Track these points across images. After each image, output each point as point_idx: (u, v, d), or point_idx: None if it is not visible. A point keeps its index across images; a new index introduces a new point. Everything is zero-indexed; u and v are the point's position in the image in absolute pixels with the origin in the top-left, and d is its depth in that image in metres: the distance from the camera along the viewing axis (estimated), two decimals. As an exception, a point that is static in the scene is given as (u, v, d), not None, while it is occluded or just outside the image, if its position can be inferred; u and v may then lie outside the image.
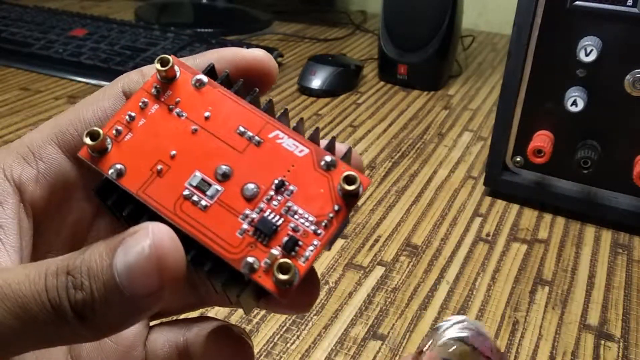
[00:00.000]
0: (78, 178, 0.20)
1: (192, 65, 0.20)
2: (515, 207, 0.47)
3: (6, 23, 0.76)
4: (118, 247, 0.15)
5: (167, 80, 0.19)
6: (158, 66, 0.18)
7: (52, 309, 0.15)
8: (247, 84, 0.20)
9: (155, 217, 0.17)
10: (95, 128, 0.18)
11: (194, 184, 0.17)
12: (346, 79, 0.67)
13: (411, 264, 0.41)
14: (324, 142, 0.19)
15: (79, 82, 0.65)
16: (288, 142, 0.18)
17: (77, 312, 0.15)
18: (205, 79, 0.19)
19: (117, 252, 0.15)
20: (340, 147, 0.19)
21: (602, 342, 0.35)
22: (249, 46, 0.72)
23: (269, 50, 0.72)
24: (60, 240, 0.20)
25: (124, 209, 0.18)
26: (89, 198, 0.20)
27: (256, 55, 0.20)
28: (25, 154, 0.19)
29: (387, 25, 0.68)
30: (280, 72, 0.71)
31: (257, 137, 0.18)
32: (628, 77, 0.40)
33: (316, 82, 0.65)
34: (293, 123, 0.19)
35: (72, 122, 0.19)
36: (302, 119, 0.19)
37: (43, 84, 0.64)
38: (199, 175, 0.18)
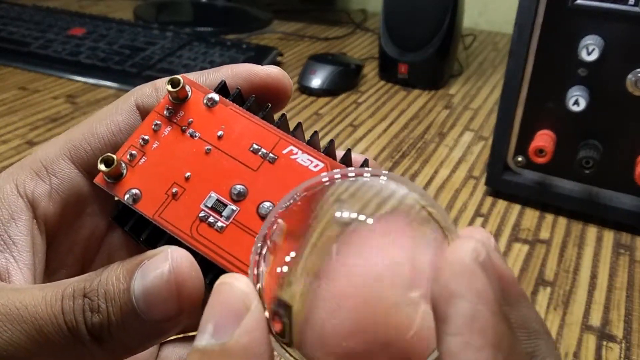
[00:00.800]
0: (91, 193, 0.19)
1: (205, 82, 0.20)
2: (516, 207, 0.47)
3: (4, 22, 0.75)
4: (136, 270, 0.15)
5: (179, 101, 0.19)
6: (169, 87, 0.18)
7: (69, 332, 0.15)
8: (259, 100, 0.19)
9: (172, 240, 0.17)
10: (110, 154, 0.18)
11: (210, 205, 0.17)
12: (346, 78, 0.67)
13: (412, 264, 0.41)
14: (340, 154, 0.19)
15: (78, 81, 0.65)
16: (302, 157, 0.18)
17: (94, 335, 0.15)
18: (216, 97, 0.19)
19: (135, 276, 0.15)
20: (357, 158, 0.19)
21: (604, 343, 0.35)
22: (248, 45, 0.72)
23: (269, 49, 0.71)
24: (72, 256, 0.20)
25: (142, 233, 0.18)
26: (101, 213, 0.20)
27: (270, 72, 0.20)
28: (38, 170, 0.19)
29: (388, 24, 0.67)
30: (280, 71, 0.71)
31: (271, 154, 0.18)
32: (630, 76, 0.40)
33: (316, 82, 0.65)
34: (308, 137, 0.19)
35: (85, 136, 0.19)
36: (316, 132, 0.19)
37: (41, 83, 0.64)
38: (214, 196, 0.17)
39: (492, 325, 0.12)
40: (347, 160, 0.19)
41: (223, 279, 0.14)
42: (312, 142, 0.19)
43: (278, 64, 0.72)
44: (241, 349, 0.13)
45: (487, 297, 0.12)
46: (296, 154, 0.18)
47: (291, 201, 0.15)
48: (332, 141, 0.19)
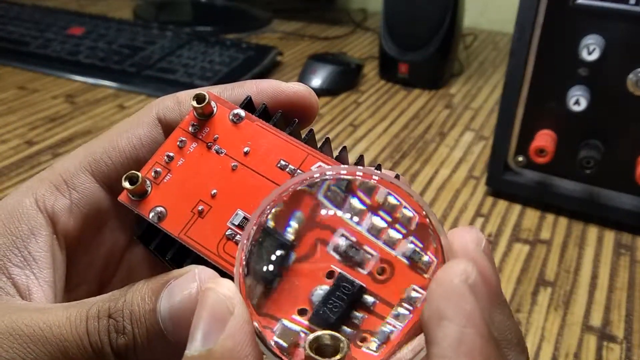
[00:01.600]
0: (111, 208, 0.19)
1: (230, 97, 0.19)
2: (517, 207, 0.47)
3: (3, 21, 0.75)
4: (162, 290, 0.15)
5: (204, 117, 0.18)
6: (194, 104, 0.18)
7: (94, 354, 0.14)
8: (286, 115, 0.19)
9: (199, 259, 0.17)
10: (134, 172, 0.17)
11: (237, 223, 0.17)
12: (346, 78, 0.67)
13: (412, 264, 0.40)
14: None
15: (77, 81, 0.65)
16: None
17: (120, 357, 0.14)
18: (242, 113, 0.18)
19: (162, 296, 0.14)
20: (388, 174, 0.18)
21: (605, 343, 0.35)
22: (248, 45, 0.72)
23: (269, 48, 0.71)
24: (92, 272, 0.20)
25: (167, 252, 0.18)
26: (122, 228, 0.20)
27: (297, 90, 0.19)
28: (58, 183, 0.18)
29: (388, 24, 0.67)
30: (279, 71, 0.71)
31: (299, 170, 0.18)
32: (631, 76, 0.40)
33: (316, 81, 0.65)
34: (336, 152, 0.19)
35: (106, 150, 0.19)
36: (344, 147, 0.19)
37: (40, 82, 0.64)
38: (241, 213, 0.17)
39: (479, 348, 0.12)
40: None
41: (207, 284, 0.14)
42: (340, 158, 0.18)
43: (278, 63, 0.72)
44: (226, 353, 0.13)
45: (474, 320, 0.12)
46: None
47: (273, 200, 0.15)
48: (361, 156, 0.18)
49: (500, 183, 0.47)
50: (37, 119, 0.56)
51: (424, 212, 0.15)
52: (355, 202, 0.15)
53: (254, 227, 0.15)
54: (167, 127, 0.19)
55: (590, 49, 0.40)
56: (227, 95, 0.19)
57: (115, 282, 0.20)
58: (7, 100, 0.60)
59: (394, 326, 0.14)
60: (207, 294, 0.14)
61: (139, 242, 0.18)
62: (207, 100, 0.18)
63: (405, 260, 0.14)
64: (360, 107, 0.63)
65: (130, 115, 0.20)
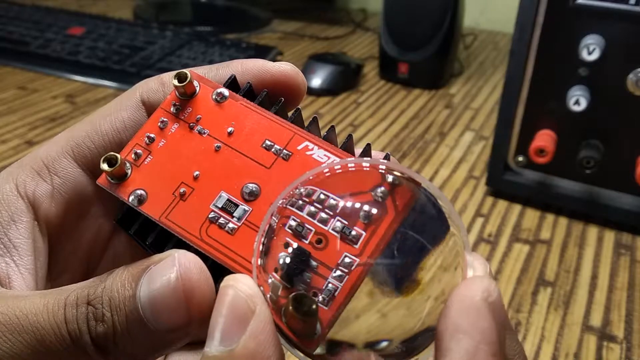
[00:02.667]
0: (95, 193, 0.19)
1: (214, 77, 0.19)
2: (517, 207, 0.47)
3: (3, 21, 0.75)
4: (142, 276, 0.14)
5: (187, 97, 0.18)
6: (176, 82, 0.18)
7: (72, 342, 0.14)
8: (271, 95, 0.18)
9: (181, 243, 0.16)
10: (113, 153, 0.17)
11: (220, 206, 0.16)
12: (346, 78, 0.67)
13: (412, 264, 0.40)
14: (358, 150, 0.18)
15: (77, 81, 0.65)
16: (319, 153, 0.17)
17: (99, 346, 0.14)
18: (226, 92, 0.18)
19: (141, 282, 0.14)
20: (378, 155, 0.18)
21: (605, 343, 0.35)
22: (248, 45, 0.72)
23: (269, 48, 0.71)
24: (76, 260, 0.19)
25: (148, 237, 0.17)
26: (106, 214, 0.19)
27: (283, 69, 0.19)
28: (39, 169, 0.18)
29: (388, 24, 0.67)
30: (279, 70, 0.71)
31: (285, 150, 0.17)
32: (631, 75, 0.40)
33: (316, 81, 0.65)
34: (324, 132, 0.18)
35: (88, 134, 0.18)
36: (333, 126, 0.18)
37: (40, 82, 0.64)
38: (224, 195, 0.17)
39: None
40: (367, 156, 0.18)
41: (227, 281, 0.14)
42: (329, 138, 0.18)
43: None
44: (249, 355, 0.13)
45: (490, 338, 0.12)
46: (312, 150, 0.17)
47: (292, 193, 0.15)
48: (350, 136, 0.18)
49: (500, 183, 0.47)
50: (37, 119, 0.56)
51: (445, 210, 0.15)
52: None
53: (272, 217, 0.15)
54: (151, 110, 0.19)
55: (590, 49, 0.40)
56: (211, 75, 0.19)
57: (100, 271, 0.20)
58: (7, 100, 0.60)
59: (336, 285, 0.15)
60: (227, 291, 0.13)
61: (119, 226, 0.18)
62: (189, 79, 0.17)
63: (336, 234, 0.15)
64: (360, 107, 0.63)
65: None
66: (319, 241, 0.15)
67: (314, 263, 0.15)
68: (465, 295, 0.13)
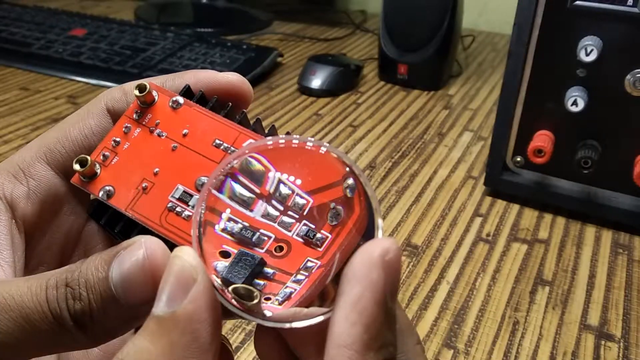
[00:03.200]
0: (67, 193, 0.21)
1: (171, 87, 0.21)
2: (515, 207, 0.47)
3: (6, 23, 0.76)
4: (113, 259, 0.16)
5: (147, 105, 0.20)
6: (137, 92, 0.20)
7: (54, 319, 0.16)
8: (221, 101, 0.21)
9: (144, 230, 0.19)
10: (84, 155, 0.19)
11: (177, 197, 0.19)
12: (346, 79, 0.67)
13: (411, 264, 0.41)
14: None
15: (79, 82, 0.65)
16: None
17: (77, 321, 0.16)
18: (181, 99, 0.20)
19: (113, 264, 0.16)
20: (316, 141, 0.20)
21: (603, 342, 0.35)
22: (249, 46, 0.72)
23: (269, 50, 0.72)
24: (51, 253, 0.21)
25: (116, 226, 0.20)
26: (77, 211, 0.21)
27: (230, 80, 0.21)
28: (15, 172, 0.20)
29: (387, 25, 0.68)
30: (280, 72, 0.71)
31: (232, 147, 0.19)
32: (628, 77, 0.40)
33: (316, 82, 0.65)
34: (267, 130, 0.20)
35: (59, 140, 0.21)
36: (273, 125, 0.21)
37: (42, 83, 0.64)
38: (180, 188, 0.19)
39: (369, 309, 0.14)
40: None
41: (175, 252, 0.16)
42: (271, 134, 0.20)
43: (278, 64, 0.73)
44: (187, 316, 0.15)
45: (376, 288, 0.15)
46: None
47: (222, 170, 0.17)
48: (288, 133, 0.20)
49: (499, 183, 0.47)
50: (39, 120, 0.57)
51: (358, 176, 0.17)
52: (239, 188, 0.17)
53: (208, 192, 0.17)
54: (115, 116, 0.21)
55: (588, 50, 0.40)
56: (168, 85, 0.21)
57: (73, 262, 0.22)
58: (9, 101, 0.60)
59: (294, 288, 0.16)
60: (174, 261, 0.15)
61: (91, 218, 0.20)
62: (148, 90, 0.20)
63: (300, 240, 0.16)
64: (360, 108, 0.63)
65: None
66: (279, 249, 0.17)
67: (270, 271, 0.16)
68: (367, 250, 0.15)
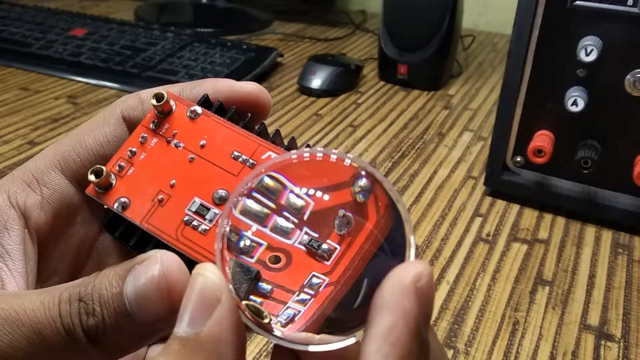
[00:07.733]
0: (81, 202, 0.20)
1: (189, 96, 0.21)
2: (515, 207, 0.47)
3: (6, 23, 0.76)
4: (128, 274, 0.16)
5: (164, 114, 0.20)
6: (154, 102, 0.19)
7: (66, 334, 0.15)
8: (240, 111, 0.20)
9: (160, 244, 0.18)
10: (99, 166, 0.19)
11: (194, 210, 0.18)
12: (346, 79, 0.67)
13: (411, 264, 0.41)
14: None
15: (79, 82, 0.65)
16: None
17: (90, 337, 0.15)
18: (199, 109, 0.20)
19: (127, 280, 0.15)
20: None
21: (603, 342, 0.35)
22: (249, 46, 0.72)
23: (269, 50, 0.72)
24: (64, 263, 0.21)
25: (131, 239, 0.19)
26: (91, 221, 0.21)
27: (249, 90, 0.21)
28: (29, 181, 0.19)
29: (387, 25, 0.68)
30: (280, 72, 0.71)
31: (251, 160, 0.19)
32: (628, 77, 0.40)
33: (316, 82, 0.65)
34: (286, 142, 0.20)
35: (74, 148, 0.20)
36: (293, 137, 0.20)
37: (42, 83, 0.64)
38: (197, 201, 0.18)
39: (402, 340, 0.13)
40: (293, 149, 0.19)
41: (197, 269, 0.15)
42: (290, 147, 0.20)
43: (278, 64, 0.73)
44: (213, 338, 0.14)
45: (409, 318, 0.14)
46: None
47: (248, 185, 0.16)
48: (307, 145, 0.19)
49: (499, 183, 0.47)
50: (40, 120, 0.57)
51: (393, 198, 0.15)
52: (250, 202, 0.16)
53: (233, 207, 0.16)
54: (131, 125, 0.20)
55: (588, 50, 0.40)
56: (186, 94, 0.21)
57: (86, 272, 0.21)
58: (9, 101, 0.60)
59: (298, 310, 0.15)
60: (196, 278, 0.15)
61: (105, 230, 0.20)
62: (165, 99, 0.19)
63: (302, 248, 0.15)
64: (360, 108, 0.63)
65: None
66: (275, 260, 0.16)
67: (266, 287, 0.15)
68: (398, 275, 0.14)
